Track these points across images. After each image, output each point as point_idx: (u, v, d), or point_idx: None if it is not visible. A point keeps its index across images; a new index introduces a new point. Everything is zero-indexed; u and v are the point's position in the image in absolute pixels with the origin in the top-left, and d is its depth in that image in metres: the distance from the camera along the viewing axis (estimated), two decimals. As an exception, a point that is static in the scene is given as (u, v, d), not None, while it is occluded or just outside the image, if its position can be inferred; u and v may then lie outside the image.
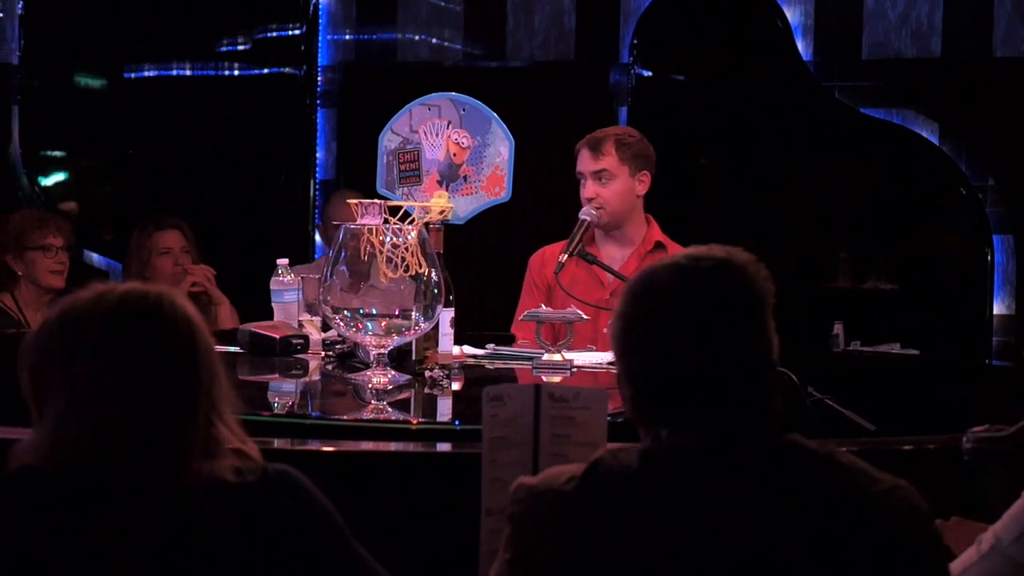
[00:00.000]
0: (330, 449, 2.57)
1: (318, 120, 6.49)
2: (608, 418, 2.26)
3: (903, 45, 6.01)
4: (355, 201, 3.21)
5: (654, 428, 1.85)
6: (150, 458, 1.81)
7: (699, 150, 6.21)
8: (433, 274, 3.15)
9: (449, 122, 3.65)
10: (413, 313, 3.14)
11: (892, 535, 1.77)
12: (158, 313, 1.86)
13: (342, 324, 3.14)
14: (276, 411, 3.06)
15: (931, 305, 5.89)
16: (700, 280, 1.85)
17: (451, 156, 3.65)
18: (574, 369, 3.53)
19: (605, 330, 4.06)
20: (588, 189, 4.18)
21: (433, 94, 3.67)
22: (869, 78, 6.02)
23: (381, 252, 3.12)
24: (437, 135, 3.64)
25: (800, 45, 6.03)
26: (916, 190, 6.01)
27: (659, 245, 4.25)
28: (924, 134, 5.93)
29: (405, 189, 3.67)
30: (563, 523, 1.79)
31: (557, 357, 3.53)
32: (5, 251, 4.90)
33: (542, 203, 5.69)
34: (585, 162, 4.19)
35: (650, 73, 6.17)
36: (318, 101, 6.49)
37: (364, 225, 3.16)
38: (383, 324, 3.11)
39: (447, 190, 3.63)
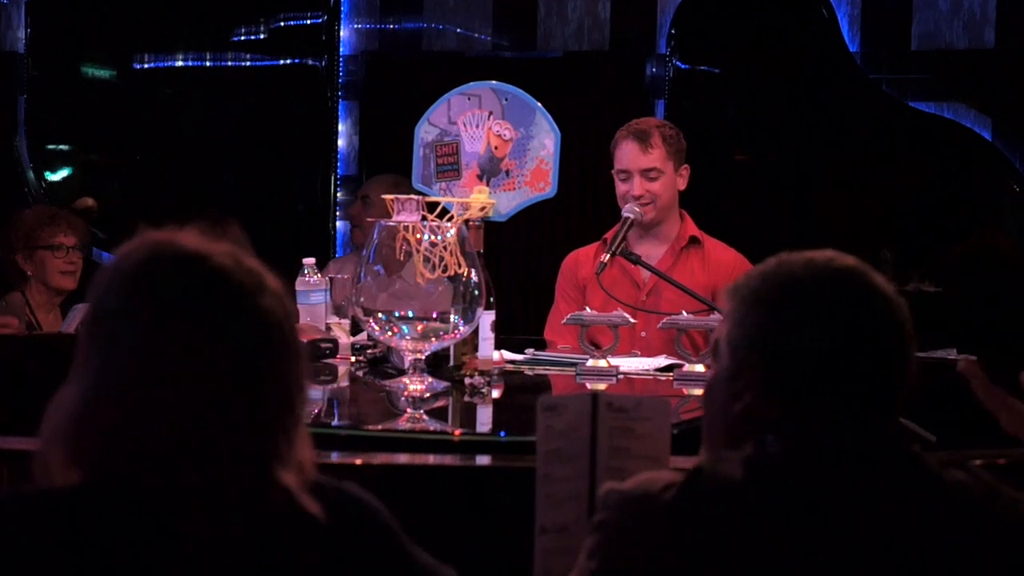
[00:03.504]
0: (361, 462, 2.49)
1: (339, 112, 6.43)
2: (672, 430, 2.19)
3: (955, 36, 5.95)
4: (390, 197, 3.13)
5: (760, 434, 1.79)
6: (199, 471, 1.63)
7: (740, 145, 6.14)
8: (473, 274, 3.06)
9: (490, 113, 3.57)
10: (452, 316, 3.06)
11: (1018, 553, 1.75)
12: (239, 282, 1.67)
13: (376, 328, 3.06)
14: (305, 420, 2.97)
15: (983, 309, 5.81)
16: (845, 278, 1.82)
17: (492, 149, 3.58)
18: (620, 376, 3.46)
19: (643, 334, 4.02)
20: (637, 186, 4.11)
21: (473, 83, 3.59)
22: (919, 70, 5.96)
23: (418, 251, 3.03)
24: (477, 126, 3.57)
25: (846, 35, 5.96)
26: (967, 188, 5.94)
27: (694, 240, 4.23)
28: (976, 129, 5.87)
29: (443, 184, 3.60)
30: (662, 534, 1.73)
31: (602, 363, 3.45)
32: (16, 250, 4.84)
33: (577, 200, 5.63)
34: (634, 158, 4.12)
35: (688, 65, 6.09)
36: (339, 93, 6.44)
37: (400, 222, 3.08)
38: (419, 328, 3.02)
39: (488, 185, 3.55)
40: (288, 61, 6.51)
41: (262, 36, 6.54)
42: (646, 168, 4.11)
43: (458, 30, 6.42)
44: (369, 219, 3.55)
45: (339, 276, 3.90)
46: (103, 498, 1.61)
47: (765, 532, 1.70)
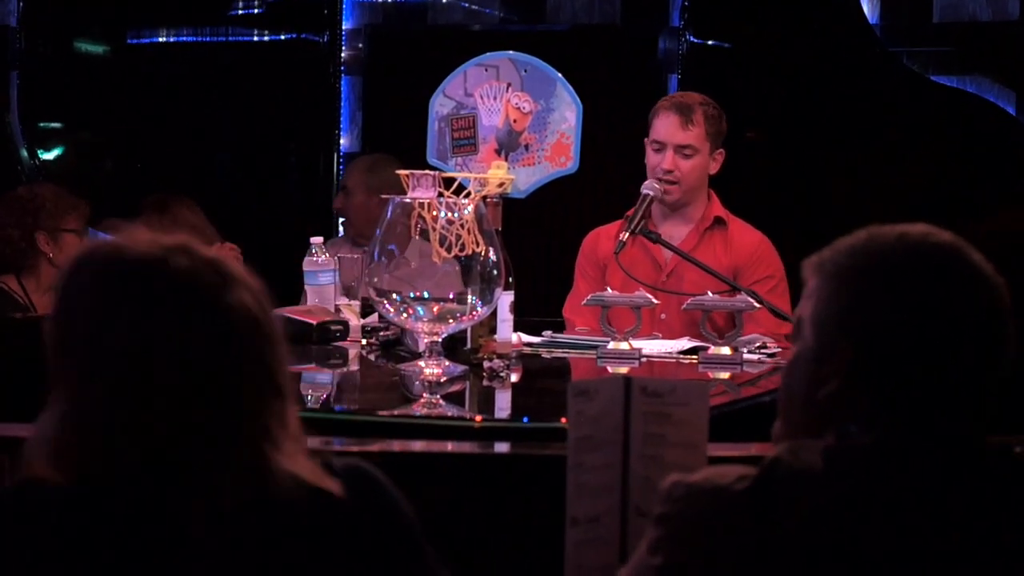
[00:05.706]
0: (377, 449, 2.43)
1: (342, 89, 6.36)
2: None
3: (978, 7, 5.88)
4: (406, 172, 3.07)
5: (842, 422, 1.71)
6: (193, 469, 1.64)
7: (755, 120, 6.07)
8: (491, 253, 3.00)
9: (509, 84, 3.53)
10: (469, 297, 2.99)
11: None
12: (202, 281, 1.67)
13: (391, 309, 2.99)
14: (313, 406, 2.91)
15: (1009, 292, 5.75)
16: (942, 255, 1.73)
17: (511, 122, 3.53)
18: (643, 359, 3.40)
19: (663, 316, 3.96)
20: (668, 160, 4.05)
21: (490, 53, 3.54)
22: (941, 43, 5.90)
23: (434, 229, 2.96)
24: (495, 99, 3.51)
25: (866, 7, 5.90)
26: (991, 165, 5.88)
27: (719, 221, 4.17)
28: (1000, 103, 5.80)
29: (459, 159, 3.55)
30: (734, 527, 1.66)
31: (624, 345, 3.40)
32: (37, 229, 4.74)
33: (592, 176, 5.55)
34: (672, 132, 4.06)
35: (702, 39, 6.03)
36: (342, 68, 6.37)
37: (415, 199, 3.01)
38: (436, 309, 2.96)
39: (506, 160, 3.50)
40: (288, 36, 6.45)
41: (261, 10, 6.47)
42: (682, 144, 4.05)
43: (464, 3, 6.35)
44: (376, 199, 3.50)
45: (349, 256, 3.83)
46: (102, 500, 1.63)
47: (845, 527, 1.64)
